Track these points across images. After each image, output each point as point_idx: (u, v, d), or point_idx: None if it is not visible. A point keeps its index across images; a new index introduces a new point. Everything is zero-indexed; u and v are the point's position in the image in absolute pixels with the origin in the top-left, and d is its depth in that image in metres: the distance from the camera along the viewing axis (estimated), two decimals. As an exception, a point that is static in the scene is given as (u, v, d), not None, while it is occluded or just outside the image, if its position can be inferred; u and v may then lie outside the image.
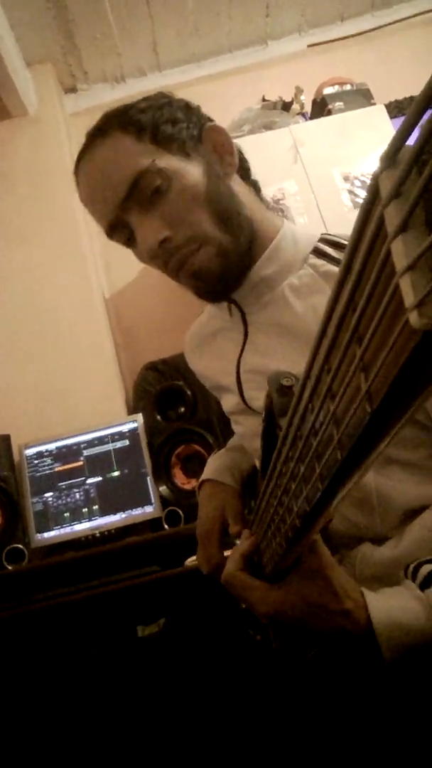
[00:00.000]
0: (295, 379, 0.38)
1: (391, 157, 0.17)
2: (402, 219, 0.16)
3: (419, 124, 0.16)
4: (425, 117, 0.16)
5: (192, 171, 0.66)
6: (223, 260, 0.66)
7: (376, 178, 0.17)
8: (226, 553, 0.75)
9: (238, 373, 0.75)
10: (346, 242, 0.69)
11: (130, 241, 0.69)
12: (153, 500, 1.74)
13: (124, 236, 0.69)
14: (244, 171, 0.74)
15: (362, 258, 0.19)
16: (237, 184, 0.71)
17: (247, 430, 0.78)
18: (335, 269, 0.67)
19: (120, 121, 0.67)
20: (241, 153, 0.74)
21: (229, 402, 0.79)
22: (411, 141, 0.16)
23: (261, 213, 0.72)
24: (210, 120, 0.73)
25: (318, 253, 0.69)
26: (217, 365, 0.80)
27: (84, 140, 0.70)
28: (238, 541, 0.60)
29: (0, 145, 2.29)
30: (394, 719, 0.50)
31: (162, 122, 0.67)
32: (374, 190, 0.18)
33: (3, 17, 2.05)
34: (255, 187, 0.75)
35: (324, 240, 0.70)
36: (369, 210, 0.18)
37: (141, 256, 0.69)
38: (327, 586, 0.48)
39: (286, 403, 0.36)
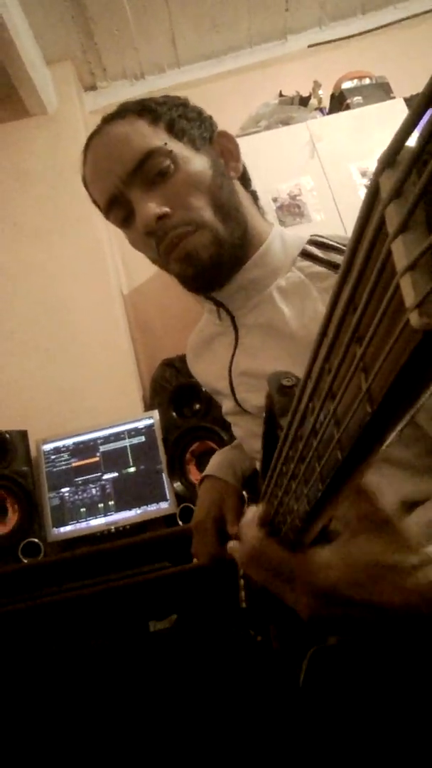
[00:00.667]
0: (296, 379, 0.38)
1: (390, 158, 0.17)
2: (402, 219, 0.16)
3: (419, 124, 0.16)
4: (425, 117, 0.16)
5: (199, 162, 0.69)
6: (216, 248, 0.68)
7: (376, 179, 0.17)
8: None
9: (230, 375, 0.76)
10: (333, 243, 0.70)
11: (126, 220, 0.71)
12: (168, 496, 1.75)
13: (122, 214, 0.70)
14: (245, 181, 0.77)
15: (362, 258, 0.19)
16: (238, 188, 0.74)
17: (245, 432, 0.79)
18: (322, 270, 0.68)
19: (137, 108, 0.70)
20: (244, 164, 0.76)
21: (226, 405, 0.81)
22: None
23: (256, 218, 0.74)
24: None
25: (305, 255, 0.71)
26: (212, 370, 0.81)
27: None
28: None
29: (19, 143, 2.32)
30: (398, 718, 0.50)
31: (177, 116, 0.70)
32: (374, 191, 0.18)
33: (22, 16, 2.07)
34: (254, 196, 0.78)
35: (312, 242, 0.72)
36: (369, 210, 0.18)
37: (136, 234, 0.70)
38: (394, 535, 0.35)
39: (287, 402, 0.36)
